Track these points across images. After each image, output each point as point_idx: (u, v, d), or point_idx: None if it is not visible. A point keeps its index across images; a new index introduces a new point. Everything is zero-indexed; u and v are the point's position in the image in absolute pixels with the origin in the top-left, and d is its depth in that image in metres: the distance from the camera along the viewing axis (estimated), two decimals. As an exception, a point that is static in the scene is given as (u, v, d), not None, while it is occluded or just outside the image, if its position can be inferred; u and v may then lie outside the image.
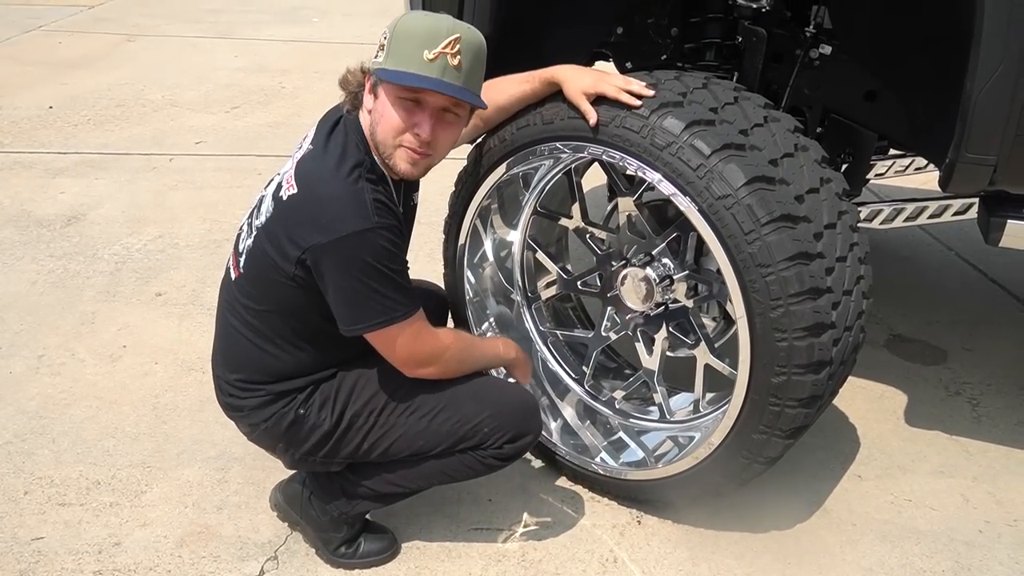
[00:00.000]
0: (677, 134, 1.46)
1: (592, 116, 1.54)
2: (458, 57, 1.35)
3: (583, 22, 2.04)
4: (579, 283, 1.93)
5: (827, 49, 1.92)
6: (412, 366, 1.47)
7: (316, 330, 1.46)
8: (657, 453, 1.83)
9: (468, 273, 1.95)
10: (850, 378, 1.94)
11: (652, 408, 1.92)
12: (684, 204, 1.48)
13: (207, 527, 1.76)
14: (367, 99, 1.42)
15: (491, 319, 2.02)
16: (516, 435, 1.56)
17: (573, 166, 1.81)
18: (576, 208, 1.85)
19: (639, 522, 1.82)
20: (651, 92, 1.53)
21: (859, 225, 2.07)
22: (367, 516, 1.71)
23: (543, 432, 1.89)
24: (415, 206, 1.65)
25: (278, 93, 4.90)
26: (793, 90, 1.99)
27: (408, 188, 1.57)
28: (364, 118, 1.43)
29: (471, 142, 1.79)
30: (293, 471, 1.68)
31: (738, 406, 1.54)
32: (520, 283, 2.01)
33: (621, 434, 1.92)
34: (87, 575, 1.63)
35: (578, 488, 1.91)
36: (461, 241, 1.91)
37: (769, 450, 1.56)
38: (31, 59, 5.47)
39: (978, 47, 1.39)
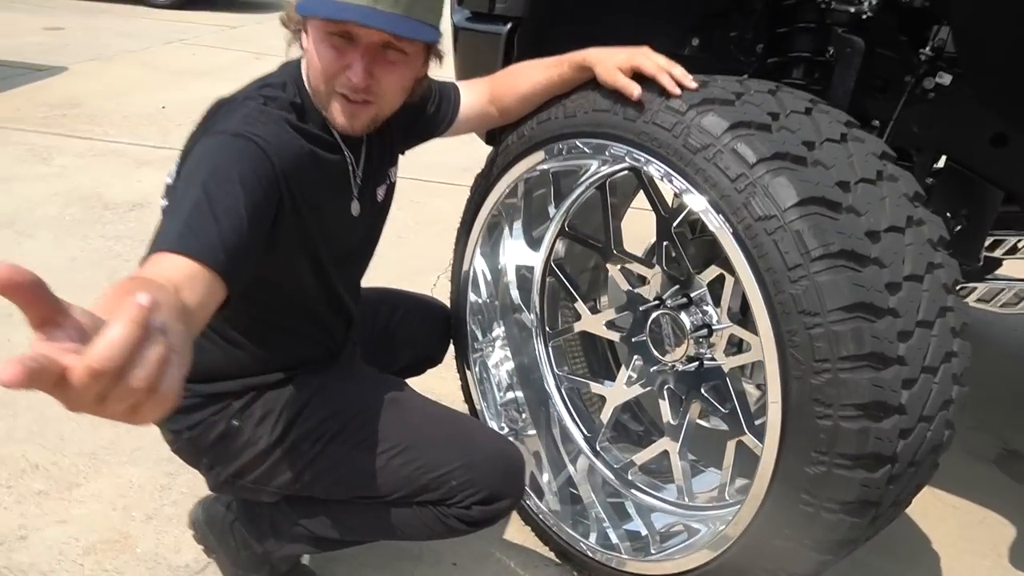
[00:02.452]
0: (717, 135, 1.13)
1: (633, 89, 1.22)
2: None
3: (651, 31, 1.74)
4: (604, 323, 1.60)
5: (946, 79, 1.54)
6: None
7: (253, 318, 1.19)
8: (664, 542, 1.45)
9: (471, 294, 1.66)
10: (944, 494, 1.51)
11: (670, 485, 1.55)
12: (716, 224, 1.14)
13: (126, 536, 1.52)
14: (302, 39, 1.14)
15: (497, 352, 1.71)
16: (490, 496, 1.22)
17: (608, 179, 1.50)
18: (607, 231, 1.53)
19: (630, 627, 1.43)
20: (695, 84, 1.22)
21: (970, 301, 1.66)
22: (300, 561, 1.42)
23: (535, 495, 1.56)
24: (392, 184, 1.37)
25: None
26: (898, 127, 1.61)
27: (372, 162, 1.28)
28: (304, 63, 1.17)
29: (489, 139, 1.52)
30: (221, 488, 1.40)
31: (759, 497, 1.16)
32: (538, 314, 1.70)
33: (629, 509, 1.56)
34: (-25, 567, 1.41)
35: (565, 569, 1.55)
36: (468, 254, 1.62)
37: (797, 565, 1.16)
38: (162, 66, 5.70)
39: None
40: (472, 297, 1.66)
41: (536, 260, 1.66)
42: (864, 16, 1.47)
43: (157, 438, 1.74)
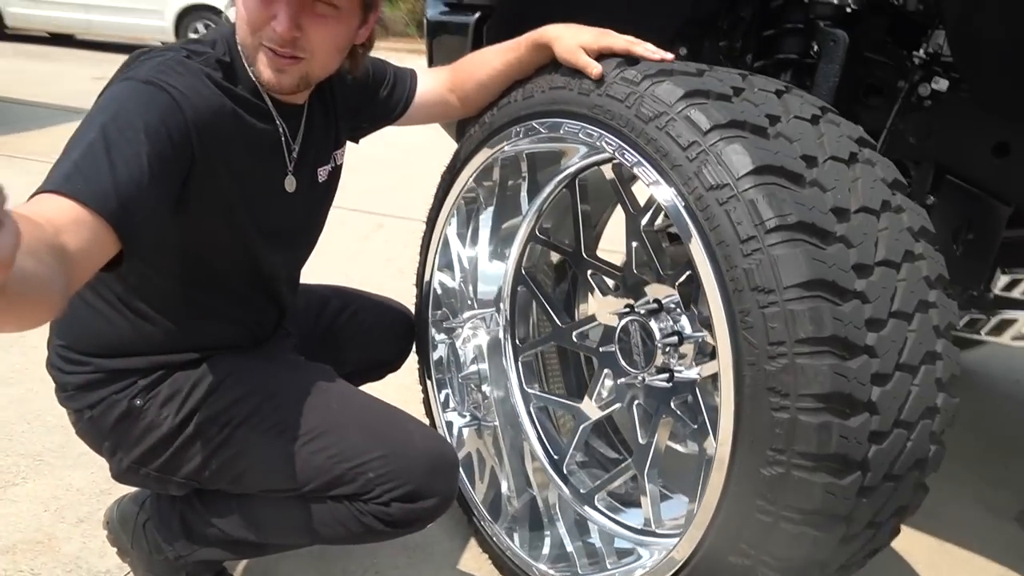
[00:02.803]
0: (671, 103, 1.05)
1: (594, 68, 1.15)
2: None
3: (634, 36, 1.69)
4: (574, 334, 1.49)
5: (942, 84, 1.44)
6: None
7: (171, 292, 1.11)
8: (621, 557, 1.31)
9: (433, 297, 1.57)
10: (962, 551, 1.36)
11: (636, 511, 1.40)
12: (666, 197, 1.04)
13: (52, 538, 1.42)
14: None
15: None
16: (412, 493, 1.10)
17: (577, 177, 1.42)
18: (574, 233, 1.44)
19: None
20: (669, 55, 1.15)
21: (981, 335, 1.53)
22: (220, 569, 1.30)
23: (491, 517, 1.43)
24: (338, 167, 1.30)
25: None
26: (893, 138, 1.51)
27: (311, 137, 1.20)
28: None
29: (459, 135, 1.46)
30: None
31: (712, 504, 1.03)
32: (507, 326, 1.60)
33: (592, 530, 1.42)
34: None
35: (518, 600, 1.40)
36: (430, 256, 1.54)
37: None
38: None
39: None
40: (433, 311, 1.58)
41: (506, 268, 1.57)
42: (848, 9, 1.39)
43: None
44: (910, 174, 1.55)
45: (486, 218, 1.54)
